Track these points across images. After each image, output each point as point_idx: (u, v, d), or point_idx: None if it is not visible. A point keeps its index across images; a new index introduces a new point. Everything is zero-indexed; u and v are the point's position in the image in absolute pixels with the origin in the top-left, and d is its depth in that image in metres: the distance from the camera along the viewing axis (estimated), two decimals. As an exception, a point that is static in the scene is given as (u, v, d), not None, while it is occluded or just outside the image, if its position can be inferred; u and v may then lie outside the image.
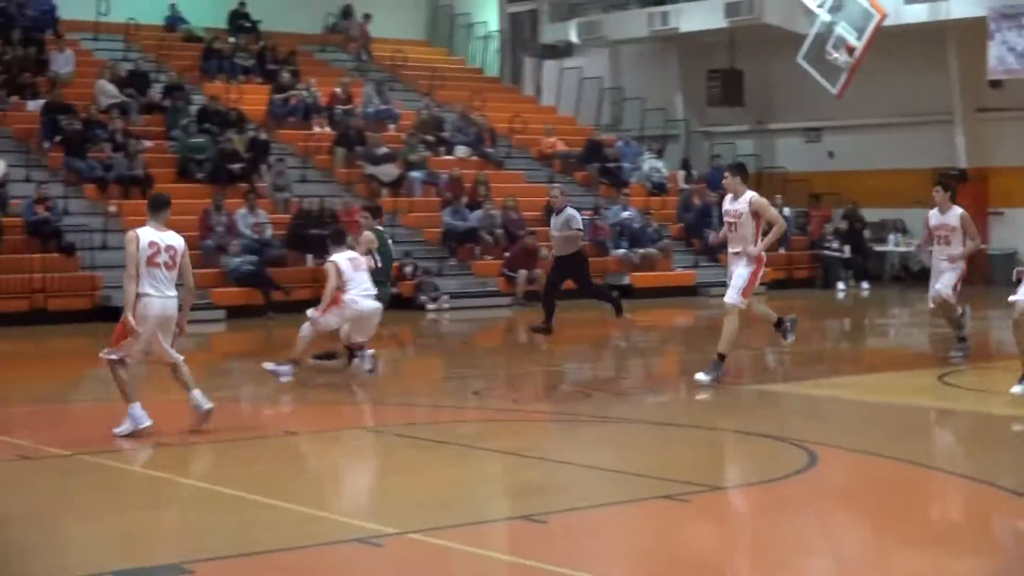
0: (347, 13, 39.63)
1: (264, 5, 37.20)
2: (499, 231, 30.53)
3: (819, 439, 12.23)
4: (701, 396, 15.33)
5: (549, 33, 41.17)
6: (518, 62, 42.20)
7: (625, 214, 32.44)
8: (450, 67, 39.95)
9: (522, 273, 29.06)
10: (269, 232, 27.86)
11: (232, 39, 36.24)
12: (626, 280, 31.20)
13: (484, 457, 12.10)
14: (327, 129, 33.16)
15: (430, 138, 33.86)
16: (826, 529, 9.41)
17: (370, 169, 31.42)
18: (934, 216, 17.64)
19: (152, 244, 12.41)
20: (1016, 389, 14.36)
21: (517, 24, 43.15)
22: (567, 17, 40.69)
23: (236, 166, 29.63)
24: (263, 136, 31.18)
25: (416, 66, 38.56)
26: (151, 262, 12.36)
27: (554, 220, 22.48)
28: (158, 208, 12.71)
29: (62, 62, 32.44)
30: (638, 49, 40.90)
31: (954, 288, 17.30)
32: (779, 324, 16.62)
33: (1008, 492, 10.22)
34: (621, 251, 31.64)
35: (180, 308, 12.72)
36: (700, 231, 32.75)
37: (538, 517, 9.35)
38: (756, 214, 15.86)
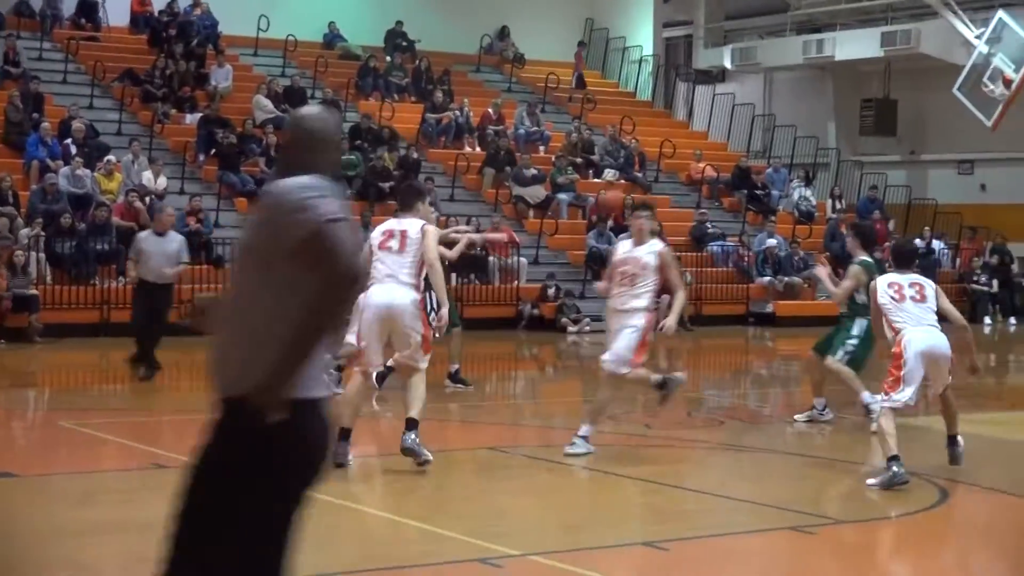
0: (503, 34, 39.95)
1: (421, 24, 37.63)
2: (645, 256, 30.49)
3: (953, 476, 12.13)
4: (841, 426, 15.23)
5: (703, 58, 41.20)
6: (671, 87, 42.20)
7: (771, 241, 32.28)
8: (603, 90, 40.07)
9: (665, 298, 28.97)
10: (416, 249, 28.10)
11: (388, 57, 36.69)
12: (769, 308, 31.07)
13: (614, 482, 12.14)
14: (477, 149, 33.46)
15: (579, 160, 34.00)
16: (951, 566, 9.34)
17: (518, 190, 31.63)
18: None
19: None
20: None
21: (672, 49, 43.21)
22: (722, 43, 40.74)
23: (386, 184, 30.02)
24: (414, 155, 31.51)
25: (568, 88, 38.74)
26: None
27: None
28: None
29: (221, 77, 33.11)
30: (792, 76, 40.77)
31: None
32: (662, 385, 13.24)
33: None
34: (766, 279, 31.50)
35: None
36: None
37: (660, 544, 9.41)
38: (661, 268, 13.01)
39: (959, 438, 12.32)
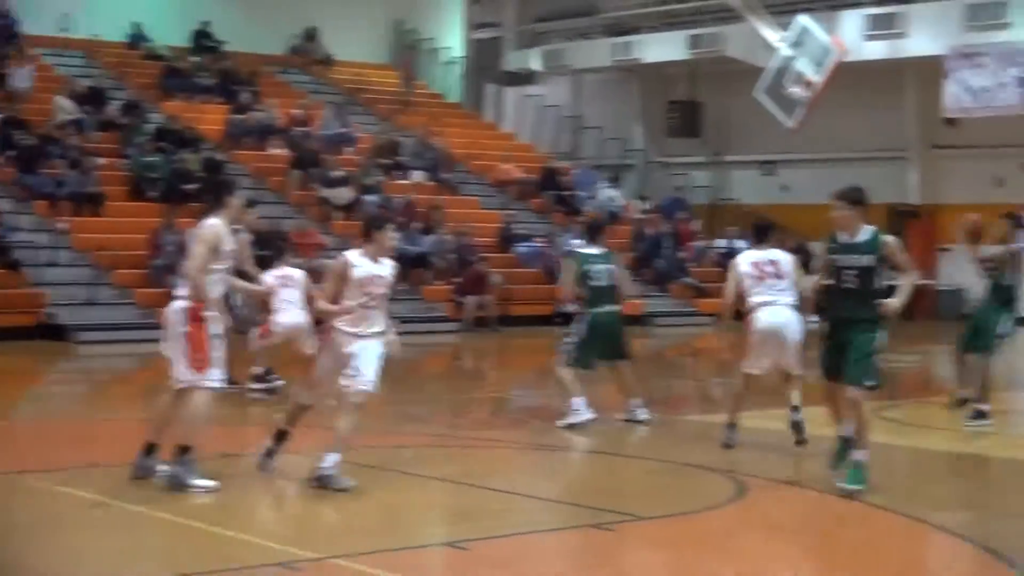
0: (311, 35, 39.66)
1: (228, 25, 37.17)
2: (451, 256, 30.57)
3: (750, 471, 12.30)
4: (641, 427, 15.34)
5: (512, 60, 41.36)
6: (480, 89, 42.30)
7: (576, 243, 32.45)
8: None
9: (471, 299, 29.12)
10: (220, 252, 27.77)
11: (194, 58, 36.21)
12: (572, 308, 31.28)
13: (417, 483, 12.09)
14: (284, 151, 33.16)
15: (387, 162, 33.90)
16: (749, 561, 9.43)
17: (324, 192, 31.43)
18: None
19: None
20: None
21: (481, 51, 43.26)
22: (530, 45, 40.94)
23: (190, 186, 29.59)
24: (218, 156, 31.14)
25: (377, 90, 38.60)
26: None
27: None
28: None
29: (21, 77, 32.35)
30: (600, 78, 41.13)
31: None
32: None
33: (937, 528, 10.34)
34: (573, 279, 31.70)
35: None
36: (652, 260, 33.05)
37: (461, 544, 9.39)
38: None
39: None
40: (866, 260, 11.11)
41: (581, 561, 9.39)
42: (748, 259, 13.50)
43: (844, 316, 11.23)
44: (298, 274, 17.00)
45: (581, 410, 14.74)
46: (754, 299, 13.33)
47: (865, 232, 11.18)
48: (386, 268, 11.32)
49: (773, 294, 13.30)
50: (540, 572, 9.10)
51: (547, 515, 10.82)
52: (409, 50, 40.61)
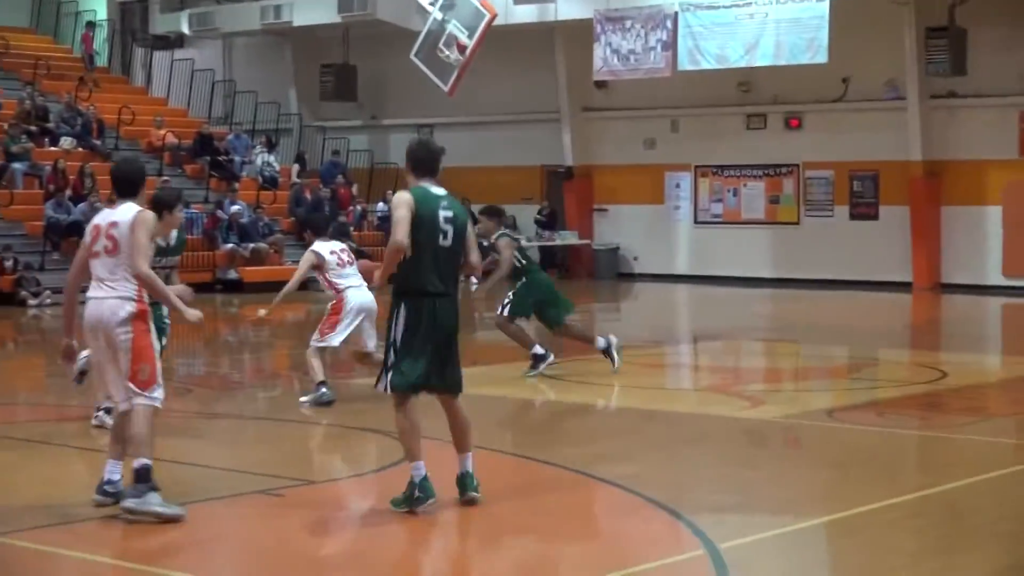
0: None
1: None
2: (105, 224, 29.75)
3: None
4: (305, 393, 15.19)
5: (161, 23, 40.42)
6: (128, 53, 41.28)
7: (235, 208, 32.10)
8: (56, 56, 38.69)
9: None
10: None
11: None
12: (234, 274, 30.98)
13: (80, 457, 11.72)
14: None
15: (34, 129, 32.79)
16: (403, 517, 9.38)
17: (-31, 160, 30.25)
18: None
19: None
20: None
21: (127, 14, 42.21)
22: (179, 8, 40.03)
23: None
24: None
25: (20, 54, 37.24)
26: None
27: None
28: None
29: None
30: (251, 42, 40.62)
31: None
32: None
33: (600, 481, 10.51)
34: (230, 245, 31.34)
35: None
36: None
37: (125, 516, 9.09)
38: None
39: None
40: None
41: (249, 527, 9.36)
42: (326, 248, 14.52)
43: None
44: None
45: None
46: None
47: None
48: None
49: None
50: (199, 539, 9.00)
51: (217, 483, 10.61)
52: (89, 26, 39.24)
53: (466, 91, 33.70)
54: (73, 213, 29.48)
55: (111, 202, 10.27)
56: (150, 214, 9.57)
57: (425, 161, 9.57)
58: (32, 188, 30.85)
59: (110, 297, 9.34)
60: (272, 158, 36.12)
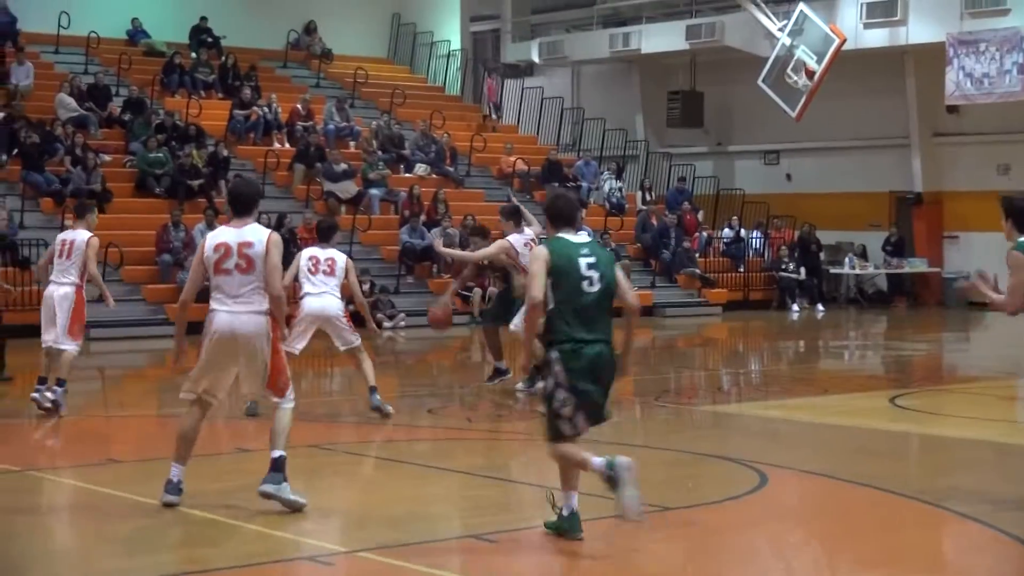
0: (309, 29, 39.62)
1: (226, 21, 37.14)
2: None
3: (771, 460, 12.30)
4: (655, 415, 15.35)
5: (511, 52, 41.37)
6: (480, 81, 42.28)
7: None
8: (411, 85, 39.94)
9: (477, 291, 29.10)
10: (226, 248, 27.75)
11: (193, 54, 36.17)
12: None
13: (437, 476, 12.10)
14: (287, 145, 33.15)
15: (388, 156, 33.89)
16: (775, 547, 9.43)
17: (329, 186, 31.41)
18: None
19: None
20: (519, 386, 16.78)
21: (479, 43, 43.28)
22: (529, 37, 40.96)
23: (195, 182, 29.63)
24: (223, 152, 31.12)
25: (377, 84, 38.56)
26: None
27: None
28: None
29: (22, 74, 32.31)
30: (599, 70, 41.15)
31: None
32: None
33: (957, 515, 10.32)
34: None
35: None
36: (658, 251, 33.16)
37: (488, 536, 9.39)
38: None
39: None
40: None
41: (607, 548, 9.44)
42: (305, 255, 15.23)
43: None
44: None
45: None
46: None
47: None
48: None
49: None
50: (563, 560, 9.11)
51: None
52: (491, 76, 40.41)
53: (812, 116, 33.52)
54: (427, 238, 30.35)
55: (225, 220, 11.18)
56: (278, 236, 10.25)
57: (563, 212, 9.59)
58: (388, 214, 31.89)
59: (246, 312, 10.07)
60: (619, 184, 36.49)
